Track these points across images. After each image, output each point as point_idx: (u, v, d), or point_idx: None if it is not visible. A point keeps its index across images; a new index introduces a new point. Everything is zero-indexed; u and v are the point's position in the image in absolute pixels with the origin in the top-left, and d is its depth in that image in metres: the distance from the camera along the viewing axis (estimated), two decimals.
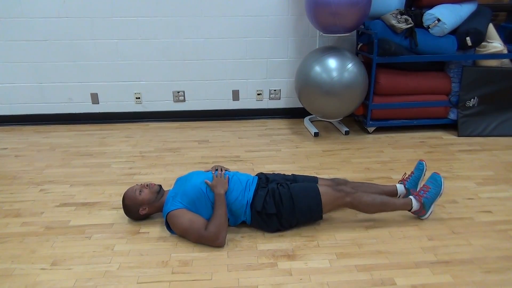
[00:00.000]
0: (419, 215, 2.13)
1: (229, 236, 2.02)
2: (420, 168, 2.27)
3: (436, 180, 2.07)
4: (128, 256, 1.89)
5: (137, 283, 1.71)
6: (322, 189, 2.03)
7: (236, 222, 2.08)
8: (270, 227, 2.03)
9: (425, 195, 2.08)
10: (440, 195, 2.07)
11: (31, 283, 1.72)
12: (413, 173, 2.28)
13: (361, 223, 2.13)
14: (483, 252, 1.89)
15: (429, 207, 2.09)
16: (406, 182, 2.29)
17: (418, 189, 2.16)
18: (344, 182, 2.25)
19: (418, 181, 2.26)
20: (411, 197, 2.11)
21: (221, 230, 1.91)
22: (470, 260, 1.84)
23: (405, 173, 2.40)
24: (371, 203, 2.05)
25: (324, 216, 2.17)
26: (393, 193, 2.28)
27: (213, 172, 2.09)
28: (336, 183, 2.23)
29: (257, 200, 2.01)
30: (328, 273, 1.76)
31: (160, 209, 2.10)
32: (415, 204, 2.08)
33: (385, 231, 2.05)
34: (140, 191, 2.06)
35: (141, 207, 2.07)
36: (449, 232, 2.04)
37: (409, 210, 2.11)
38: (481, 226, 2.10)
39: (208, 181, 2.03)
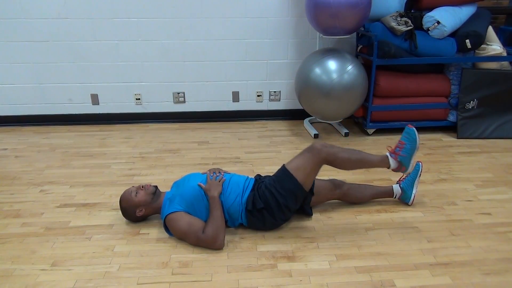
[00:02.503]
0: (401, 171, 2.09)
1: (228, 237, 2.03)
2: (416, 169, 2.28)
3: (409, 134, 2.03)
4: (128, 257, 1.89)
5: (137, 284, 1.72)
6: (293, 163, 2.00)
7: (234, 224, 2.08)
8: (266, 224, 2.03)
9: (400, 152, 2.04)
10: (417, 149, 2.04)
11: (31, 284, 1.72)
12: (410, 174, 2.30)
13: (361, 224, 2.13)
14: (483, 254, 1.90)
15: (408, 162, 2.05)
16: (401, 182, 2.31)
17: (394, 147, 2.10)
18: (342, 183, 2.27)
19: (414, 181, 2.27)
20: (387, 154, 2.08)
21: (219, 233, 1.91)
22: (470, 262, 1.84)
23: (403, 174, 2.41)
24: (347, 159, 1.99)
25: (323, 217, 2.18)
26: (389, 194, 2.32)
27: (208, 175, 2.09)
28: (334, 184, 2.24)
29: (248, 201, 2.01)
30: (328, 275, 1.76)
31: (157, 211, 2.10)
32: (392, 163, 2.05)
33: (384, 233, 2.06)
34: (136, 193, 2.06)
35: (137, 209, 2.07)
36: (449, 234, 2.05)
37: (388, 168, 2.08)
38: (480, 228, 2.10)
39: (202, 184, 2.03)
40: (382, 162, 2.06)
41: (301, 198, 2.03)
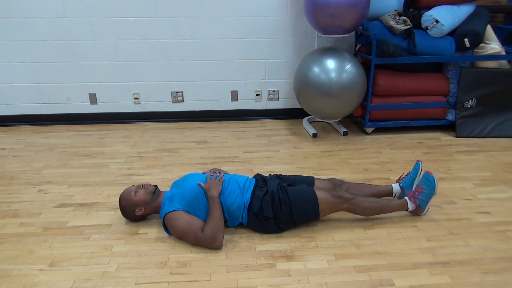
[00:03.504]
0: (417, 213, 2.18)
1: (227, 237, 2.02)
2: (416, 168, 2.28)
3: (429, 181, 2.10)
4: (126, 257, 1.89)
5: (136, 284, 1.71)
6: (320, 194, 2.03)
7: (234, 224, 2.08)
8: (266, 229, 2.04)
9: (419, 196, 2.11)
10: (435, 194, 2.11)
11: (29, 284, 1.71)
12: (409, 173, 2.30)
13: (360, 223, 2.13)
14: (481, 253, 1.90)
15: (425, 206, 2.14)
16: (401, 181, 2.31)
17: (413, 190, 2.18)
18: (341, 182, 2.26)
19: (414, 180, 2.27)
20: (406, 198, 2.15)
21: (218, 233, 1.91)
22: (468, 261, 1.84)
23: (403, 173, 2.41)
24: (369, 207, 2.10)
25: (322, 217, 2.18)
26: (389, 193, 2.31)
27: (208, 175, 2.08)
28: (333, 183, 2.24)
29: (254, 202, 2.01)
30: (327, 274, 1.76)
31: (156, 210, 2.10)
32: (410, 206, 2.13)
33: (383, 232, 2.06)
34: (135, 192, 2.06)
35: (137, 208, 2.07)
36: (447, 233, 2.05)
37: (406, 211, 2.15)
38: (479, 227, 2.11)
39: (202, 184, 2.02)
40: (401, 206, 2.15)
41: (309, 221, 2.11)
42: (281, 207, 1.99)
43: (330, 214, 2.18)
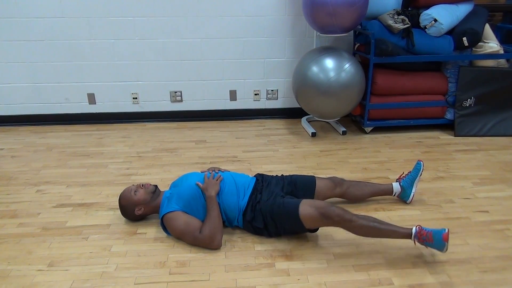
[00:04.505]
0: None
1: (226, 236, 2.02)
2: (417, 168, 2.27)
3: (438, 235, 1.74)
4: (125, 257, 1.89)
5: (135, 284, 1.71)
6: (305, 212, 1.85)
7: (231, 225, 2.08)
8: (260, 235, 2.03)
9: (424, 243, 1.78)
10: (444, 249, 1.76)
11: (28, 285, 1.71)
12: (410, 172, 2.30)
13: None
14: (480, 251, 1.90)
15: (440, 247, 1.76)
16: (401, 180, 2.30)
17: (419, 233, 1.79)
18: (342, 181, 2.26)
19: (414, 180, 2.27)
20: (413, 230, 1.80)
21: (216, 233, 1.90)
22: (467, 260, 1.84)
23: (403, 172, 2.41)
24: (367, 229, 1.82)
25: None
26: (389, 192, 2.30)
27: (206, 174, 2.08)
28: (334, 182, 2.22)
29: (249, 210, 2.00)
30: (326, 273, 1.76)
31: (156, 210, 2.09)
32: (414, 240, 1.81)
33: None
34: (135, 191, 2.06)
35: (137, 207, 2.06)
36: None
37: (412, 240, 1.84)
38: (478, 225, 2.11)
39: (200, 184, 2.02)
40: (406, 235, 1.82)
41: (303, 231, 1.99)
42: (267, 220, 1.96)
43: None
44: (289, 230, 1.98)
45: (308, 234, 2.04)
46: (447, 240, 1.70)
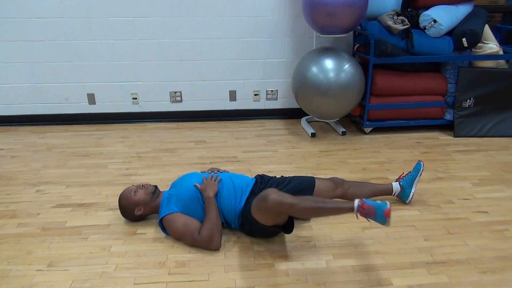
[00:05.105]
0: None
1: (225, 237, 2.02)
2: (417, 168, 2.28)
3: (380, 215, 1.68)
4: (124, 257, 1.89)
5: (134, 284, 1.71)
6: (253, 209, 1.83)
7: (230, 226, 2.08)
8: (257, 238, 2.03)
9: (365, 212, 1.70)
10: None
11: (27, 285, 1.71)
12: (410, 172, 2.30)
13: (358, 223, 2.13)
14: (479, 252, 1.90)
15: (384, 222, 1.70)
16: (401, 180, 2.30)
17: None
18: (342, 181, 2.26)
19: (414, 180, 2.27)
20: (355, 204, 1.72)
21: (214, 234, 1.90)
22: (466, 260, 1.85)
23: (403, 172, 2.41)
24: (309, 208, 1.79)
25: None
26: (389, 192, 2.30)
27: (204, 176, 2.08)
28: (335, 183, 2.21)
29: (244, 215, 1.98)
30: (325, 274, 1.76)
31: (156, 210, 2.09)
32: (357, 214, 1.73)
33: (381, 232, 2.06)
34: (135, 191, 2.06)
35: (136, 208, 2.06)
36: (445, 233, 2.05)
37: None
38: (477, 226, 2.11)
39: (198, 185, 2.02)
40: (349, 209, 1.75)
41: (278, 231, 1.96)
42: (246, 223, 1.97)
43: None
44: (264, 235, 1.98)
45: (307, 234, 2.04)
46: (389, 216, 1.65)
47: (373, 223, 2.13)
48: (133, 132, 3.58)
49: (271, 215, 1.79)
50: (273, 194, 1.74)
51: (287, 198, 1.74)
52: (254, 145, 3.26)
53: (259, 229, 1.92)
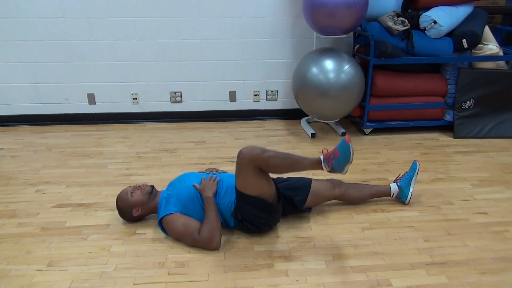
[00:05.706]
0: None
1: (225, 237, 2.02)
2: (413, 167, 2.29)
3: (344, 148, 1.81)
4: (124, 257, 1.89)
5: (133, 284, 1.71)
6: (238, 183, 1.92)
7: (229, 226, 2.08)
8: (253, 232, 2.03)
9: (333, 161, 1.83)
10: (350, 163, 1.82)
11: (27, 284, 1.71)
12: (407, 173, 2.31)
13: (357, 224, 2.14)
14: (479, 253, 1.90)
15: (342, 170, 1.85)
16: (398, 180, 2.32)
17: (329, 152, 1.86)
18: (340, 182, 2.27)
19: (411, 180, 2.28)
20: (321, 158, 1.87)
21: (214, 234, 1.90)
22: (466, 261, 1.85)
23: (400, 173, 2.42)
24: (280, 164, 1.86)
25: (320, 217, 2.19)
26: (387, 193, 2.32)
27: (203, 177, 2.08)
28: (333, 183, 2.24)
29: (235, 205, 1.99)
30: (324, 274, 1.76)
31: (154, 210, 2.10)
32: (324, 167, 1.87)
33: (381, 232, 2.06)
34: (132, 192, 2.06)
35: (134, 209, 2.06)
36: (445, 234, 2.05)
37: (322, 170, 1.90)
38: (477, 227, 2.11)
39: (197, 185, 2.02)
40: (316, 165, 1.89)
41: (269, 207, 1.95)
42: (241, 211, 1.98)
43: (328, 214, 2.19)
44: (254, 212, 1.94)
45: (307, 234, 2.04)
46: (349, 141, 1.78)
47: (373, 223, 2.13)
48: (133, 132, 3.59)
49: (251, 175, 1.86)
50: (244, 148, 1.86)
51: (257, 147, 1.85)
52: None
53: (251, 214, 1.93)
